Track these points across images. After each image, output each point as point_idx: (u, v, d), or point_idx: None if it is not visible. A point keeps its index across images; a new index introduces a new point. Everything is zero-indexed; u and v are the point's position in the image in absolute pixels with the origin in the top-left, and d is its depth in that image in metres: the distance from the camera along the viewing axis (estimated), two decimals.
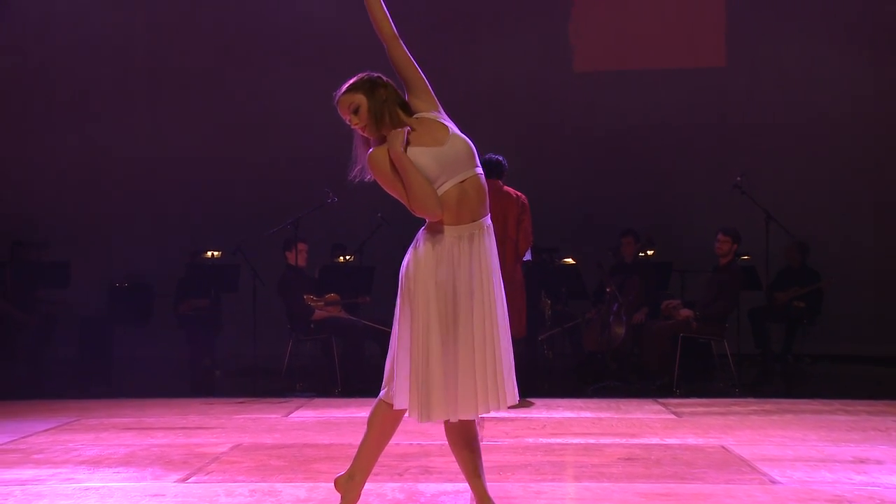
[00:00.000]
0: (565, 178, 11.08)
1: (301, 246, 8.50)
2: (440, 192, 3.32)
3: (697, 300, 8.29)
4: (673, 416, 6.45)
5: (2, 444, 5.28)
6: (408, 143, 3.33)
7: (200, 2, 11.49)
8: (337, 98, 3.42)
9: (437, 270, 3.31)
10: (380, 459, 4.84)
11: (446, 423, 3.39)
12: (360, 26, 11.46)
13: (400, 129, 3.33)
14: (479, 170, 3.43)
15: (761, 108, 11.22)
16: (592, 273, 9.21)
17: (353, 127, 3.41)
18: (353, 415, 6.52)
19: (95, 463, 4.81)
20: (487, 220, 3.42)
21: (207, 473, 4.60)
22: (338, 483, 3.57)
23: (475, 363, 3.34)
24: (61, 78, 11.10)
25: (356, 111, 3.37)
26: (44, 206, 10.75)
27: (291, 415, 6.58)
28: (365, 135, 3.42)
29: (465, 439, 3.45)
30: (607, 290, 8.55)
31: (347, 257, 9.18)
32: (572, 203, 10.98)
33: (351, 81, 3.43)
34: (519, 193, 7.56)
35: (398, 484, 4.33)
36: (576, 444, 5.39)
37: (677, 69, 11.39)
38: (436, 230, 3.35)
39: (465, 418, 3.36)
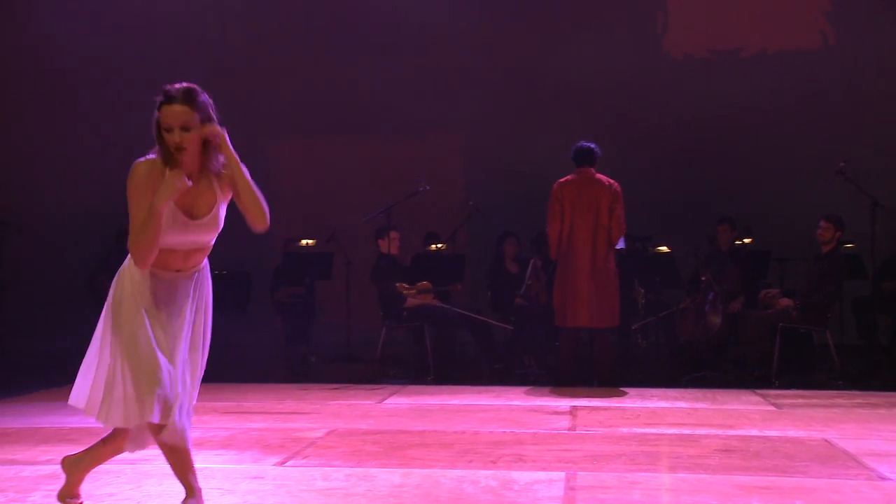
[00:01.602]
0: (659, 165, 10.88)
1: (393, 234, 8.57)
2: (164, 247, 3.30)
3: (798, 289, 8.06)
4: (772, 408, 6.29)
5: None
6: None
7: None
8: (170, 99, 3.23)
9: (137, 297, 3.32)
10: (473, 447, 4.87)
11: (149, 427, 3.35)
12: (441, 13, 11.46)
13: (177, 185, 3.22)
14: (212, 242, 3.45)
15: (865, 91, 10.81)
16: (687, 262, 9.04)
17: (173, 137, 3.23)
18: (446, 402, 6.55)
19: (198, 445, 4.92)
20: (195, 268, 3.45)
21: (304, 457, 4.69)
22: (65, 463, 3.62)
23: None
24: (151, 67, 11.37)
25: (186, 130, 3.23)
26: None
27: (385, 401, 6.65)
28: (173, 149, 3.24)
29: (164, 445, 3.37)
30: (703, 278, 8.38)
31: (439, 245, 9.22)
32: (667, 190, 10.78)
33: (192, 91, 3.25)
34: (611, 181, 7.47)
35: (491, 471, 4.33)
36: (671, 435, 5.31)
37: (776, 51, 11.08)
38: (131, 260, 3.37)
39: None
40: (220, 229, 3.45)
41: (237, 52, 11.59)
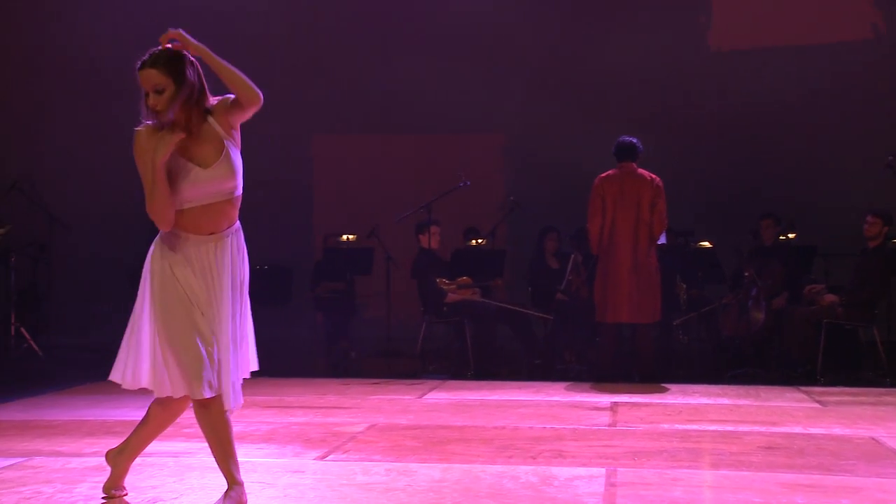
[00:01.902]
0: (702, 159, 10.78)
1: (434, 229, 8.57)
2: (184, 207, 3.36)
3: (844, 285, 7.94)
4: (817, 405, 6.20)
5: None
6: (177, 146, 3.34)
7: None
8: (142, 65, 3.32)
9: (172, 268, 3.39)
10: (513, 442, 4.87)
11: (193, 405, 3.46)
12: (483, 10, 11.39)
13: (171, 138, 3.31)
14: (238, 192, 3.46)
15: None
16: (730, 257, 8.94)
17: (149, 101, 3.32)
18: (486, 397, 6.55)
19: (240, 439, 4.94)
20: (230, 230, 3.48)
21: (345, 452, 4.71)
22: (109, 456, 3.71)
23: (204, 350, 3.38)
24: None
25: (160, 92, 3.31)
26: None
27: (425, 396, 6.67)
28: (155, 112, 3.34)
29: (201, 421, 3.45)
30: (746, 274, 8.29)
31: (480, 240, 9.21)
32: (709, 185, 10.68)
33: (161, 54, 3.32)
34: (653, 176, 7.42)
35: (531, 467, 4.32)
36: (713, 431, 5.26)
37: (823, 44, 10.91)
38: (173, 232, 3.42)
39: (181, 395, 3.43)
40: (237, 174, 3.43)
41: (279, 49, 11.68)
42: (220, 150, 3.40)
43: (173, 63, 3.31)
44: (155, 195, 3.32)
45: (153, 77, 3.31)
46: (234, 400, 3.43)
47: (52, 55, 11.47)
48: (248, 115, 3.43)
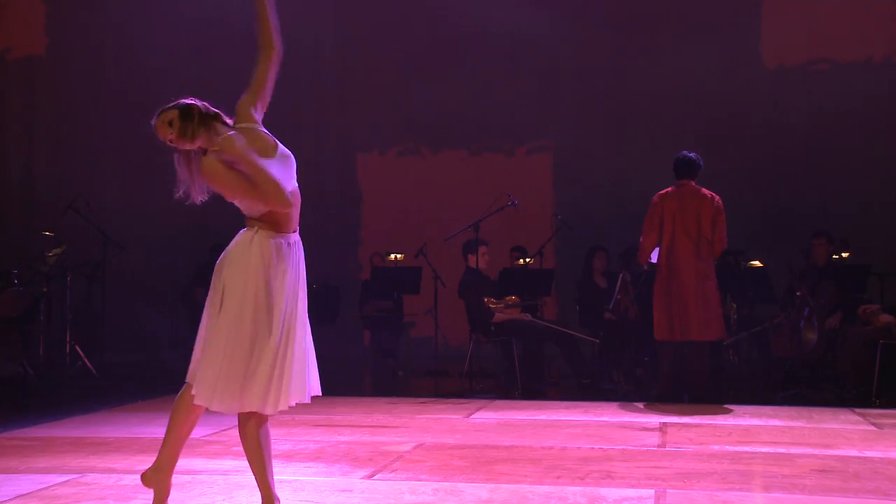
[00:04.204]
0: (752, 177, 10.67)
1: (482, 249, 8.58)
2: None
3: None
4: (873, 428, 6.07)
5: (205, 436, 5.61)
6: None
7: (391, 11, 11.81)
8: (153, 123, 3.52)
9: (250, 271, 3.43)
10: (561, 462, 4.84)
11: (238, 416, 3.50)
12: (532, 29, 11.41)
13: (229, 134, 3.44)
14: (295, 184, 3.55)
15: None
16: (781, 276, 8.82)
17: (169, 143, 3.50)
18: (534, 417, 6.52)
19: (288, 457, 5.03)
20: (297, 234, 3.57)
21: (392, 471, 4.72)
22: (145, 478, 3.61)
23: (273, 360, 3.44)
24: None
25: (170, 123, 3.48)
26: (228, 210, 11.35)
27: (473, 416, 6.65)
28: (182, 148, 3.50)
29: (253, 436, 3.50)
30: (798, 293, 8.16)
31: (527, 260, 9.20)
32: (760, 203, 10.56)
33: (157, 116, 3.54)
34: (713, 194, 7.34)
35: (580, 488, 4.29)
36: (765, 453, 5.17)
37: (878, 58, 10.75)
38: (265, 234, 3.46)
39: (247, 410, 3.46)
40: (292, 160, 3.54)
41: (327, 70, 11.82)
42: (270, 139, 3.53)
43: (171, 104, 3.53)
44: (257, 176, 3.38)
45: (157, 129, 3.51)
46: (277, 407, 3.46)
47: (106, 85, 11.76)
48: (272, 68, 3.59)
